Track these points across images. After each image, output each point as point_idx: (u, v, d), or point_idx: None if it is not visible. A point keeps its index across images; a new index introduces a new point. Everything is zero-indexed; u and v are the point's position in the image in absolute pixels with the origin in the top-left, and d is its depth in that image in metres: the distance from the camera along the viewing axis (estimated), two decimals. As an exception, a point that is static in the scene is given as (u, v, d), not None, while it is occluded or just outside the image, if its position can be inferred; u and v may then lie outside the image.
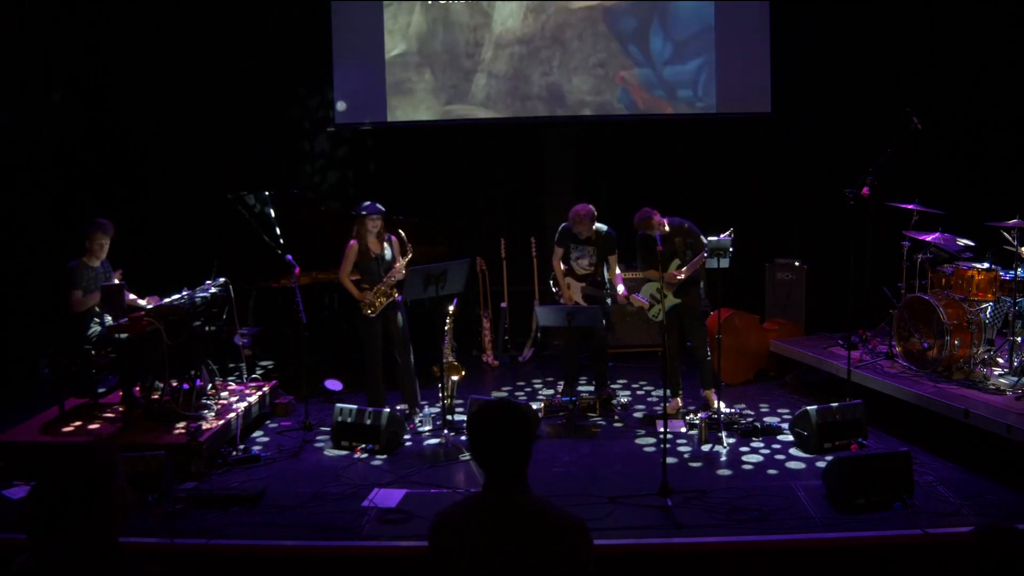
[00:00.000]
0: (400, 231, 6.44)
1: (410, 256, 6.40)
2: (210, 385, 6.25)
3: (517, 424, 2.43)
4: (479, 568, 2.35)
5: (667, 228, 6.32)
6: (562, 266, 6.61)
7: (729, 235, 6.03)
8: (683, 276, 6.31)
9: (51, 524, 2.14)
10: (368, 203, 6.28)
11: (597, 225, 6.46)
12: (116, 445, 2.21)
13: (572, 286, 6.57)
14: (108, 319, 6.14)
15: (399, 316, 6.38)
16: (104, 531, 2.15)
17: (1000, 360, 6.14)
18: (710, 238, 6.14)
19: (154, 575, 2.18)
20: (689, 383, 6.82)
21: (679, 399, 6.60)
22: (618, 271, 6.61)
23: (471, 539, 2.38)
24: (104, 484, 2.15)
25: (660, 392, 6.79)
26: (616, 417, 6.50)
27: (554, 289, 6.81)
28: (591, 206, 6.45)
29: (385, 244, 6.36)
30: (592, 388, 6.86)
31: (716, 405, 6.10)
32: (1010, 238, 6.01)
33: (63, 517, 2.12)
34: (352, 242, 6.30)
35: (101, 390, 6.29)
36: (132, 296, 6.30)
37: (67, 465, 2.17)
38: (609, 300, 6.55)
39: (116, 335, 5.78)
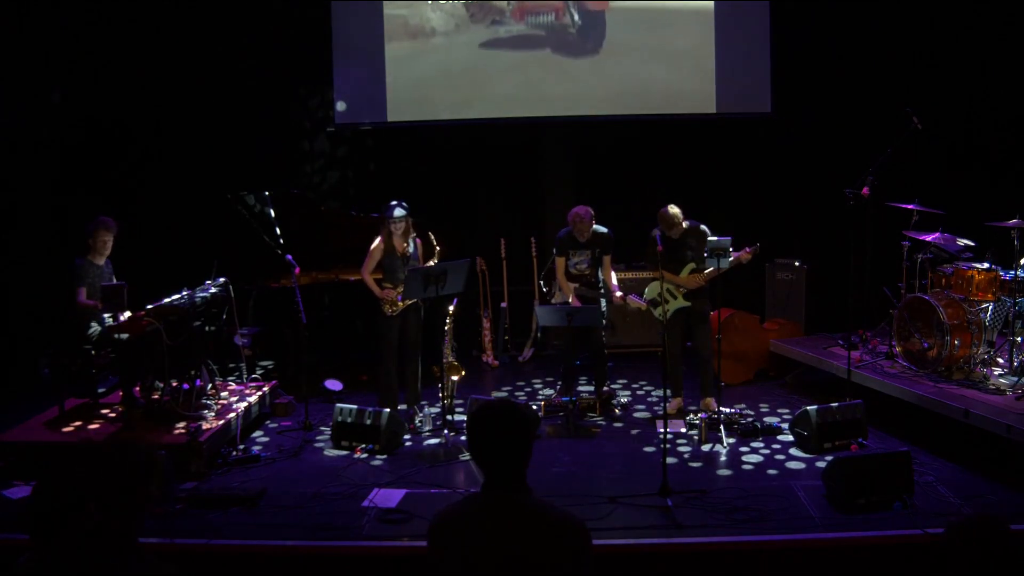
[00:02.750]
0: (430, 233, 6.44)
1: (436, 260, 6.40)
2: (210, 385, 6.25)
3: (517, 424, 2.43)
4: (478, 569, 2.34)
5: (684, 225, 6.30)
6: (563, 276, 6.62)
7: (754, 249, 6.13)
8: (700, 282, 6.28)
9: (70, 521, 2.14)
10: (392, 204, 6.27)
11: (595, 227, 6.46)
12: (156, 444, 2.27)
13: (571, 288, 6.58)
14: (108, 319, 6.15)
15: (417, 319, 6.39)
16: (127, 528, 2.16)
17: (1000, 360, 6.15)
18: (710, 238, 6.15)
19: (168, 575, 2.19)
20: (689, 383, 6.81)
21: (679, 399, 6.59)
22: (612, 273, 6.61)
23: (470, 539, 2.38)
24: (141, 482, 2.17)
25: (660, 392, 6.79)
26: (616, 417, 6.50)
27: (544, 289, 6.83)
28: (589, 207, 6.46)
29: (409, 244, 6.38)
30: (592, 388, 6.86)
31: (714, 409, 6.10)
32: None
33: (91, 513, 2.13)
34: (378, 240, 6.31)
35: (101, 390, 6.30)
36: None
37: (108, 460, 2.18)
38: (604, 301, 6.53)
39: (116, 335, 5.79)
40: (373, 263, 6.34)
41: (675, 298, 6.34)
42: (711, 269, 6.23)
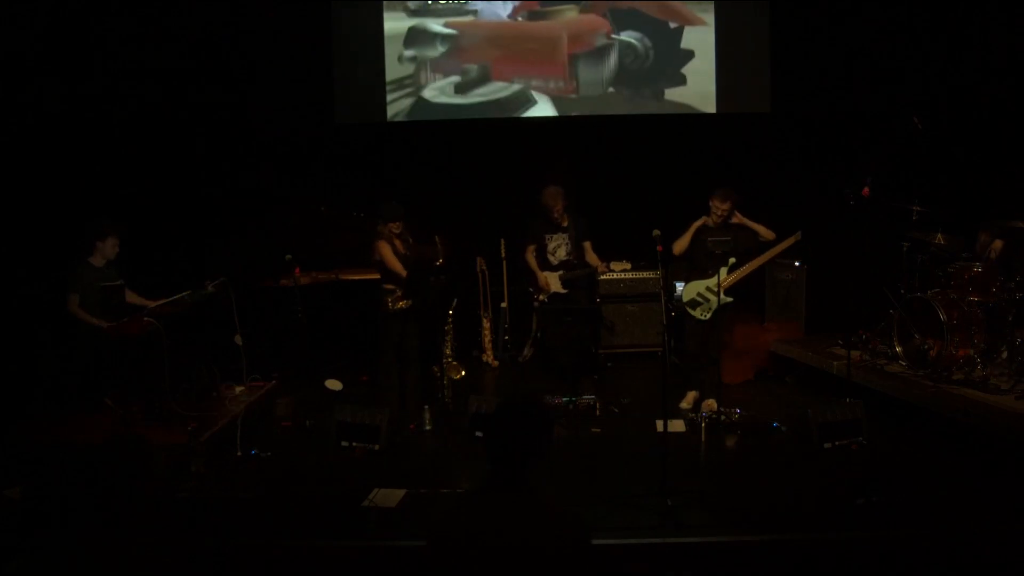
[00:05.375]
0: (437, 238, 6.44)
1: (441, 260, 6.41)
2: (210, 385, 6.25)
3: (540, 421, 2.45)
4: (479, 562, 2.35)
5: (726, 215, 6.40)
6: (535, 261, 6.69)
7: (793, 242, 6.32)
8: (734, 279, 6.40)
9: (68, 519, 2.14)
10: (389, 206, 6.27)
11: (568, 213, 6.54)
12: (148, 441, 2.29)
13: (550, 277, 6.62)
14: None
15: (416, 323, 6.40)
16: (128, 524, 2.17)
17: (1000, 360, 6.14)
18: (710, 239, 6.15)
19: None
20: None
21: (696, 392, 6.57)
22: (594, 255, 6.64)
23: (471, 534, 2.39)
24: (137, 478, 2.18)
25: (660, 392, 6.77)
26: (616, 417, 6.49)
27: (531, 290, 6.85)
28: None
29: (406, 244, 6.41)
30: (592, 394, 6.79)
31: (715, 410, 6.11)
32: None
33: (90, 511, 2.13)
34: (383, 243, 6.29)
35: (102, 390, 6.29)
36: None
37: (105, 458, 2.18)
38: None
39: (116, 335, 5.80)
40: (398, 263, 6.28)
41: (716, 295, 6.33)
42: (732, 260, 6.35)
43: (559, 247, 6.57)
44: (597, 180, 8.71)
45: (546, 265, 6.68)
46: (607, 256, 6.77)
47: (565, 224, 6.58)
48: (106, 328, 6.01)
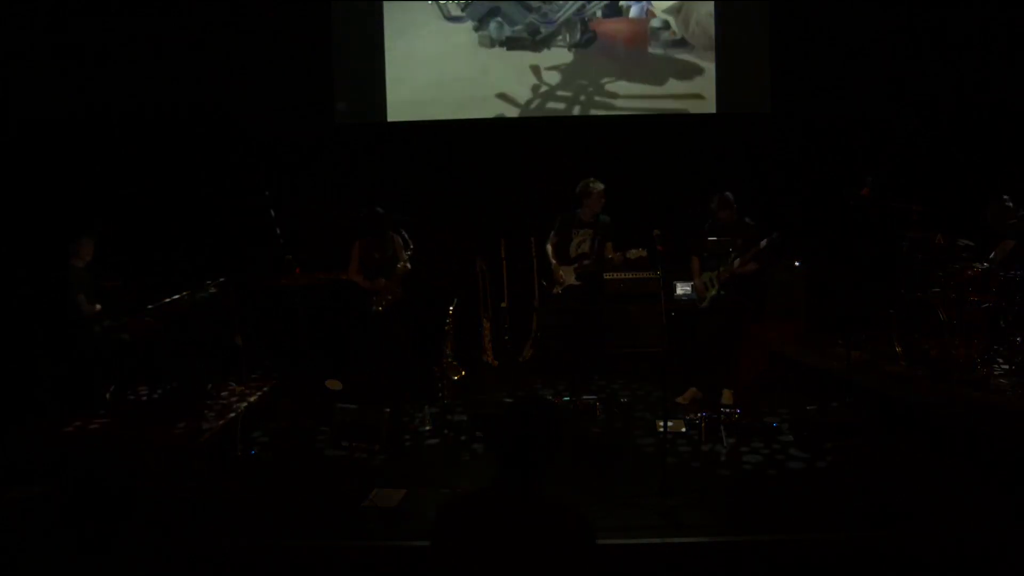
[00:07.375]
0: (403, 231, 6.56)
1: (410, 254, 6.52)
2: (210, 385, 6.26)
3: (551, 423, 2.46)
4: (483, 561, 2.35)
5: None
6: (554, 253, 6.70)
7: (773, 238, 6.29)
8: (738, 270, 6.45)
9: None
10: (371, 207, 6.35)
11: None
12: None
13: (565, 271, 6.64)
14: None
15: (409, 320, 6.45)
16: None
17: (1000, 360, 6.14)
18: (710, 238, 6.16)
19: None
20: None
21: (695, 390, 6.59)
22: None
23: (476, 531, 2.39)
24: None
25: (660, 392, 6.78)
26: (616, 417, 6.49)
27: (544, 283, 6.86)
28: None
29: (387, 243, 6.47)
30: (593, 394, 6.80)
31: (731, 403, 6.15)
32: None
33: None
34: (358, 241, 6.41)
35: (102, 391, 6.29)
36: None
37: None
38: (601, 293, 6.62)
39: (116, 335, 5.80)
40: (356, 262, 6.57)
41: (713, 286, 6.44)
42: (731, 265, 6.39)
43: (583, 242, 6.60)
44: (597, 179, 8.69)
45: (565, 259, 6.70)
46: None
47: (593, 222, 6.60)
48: (107, 328, 6.02)
